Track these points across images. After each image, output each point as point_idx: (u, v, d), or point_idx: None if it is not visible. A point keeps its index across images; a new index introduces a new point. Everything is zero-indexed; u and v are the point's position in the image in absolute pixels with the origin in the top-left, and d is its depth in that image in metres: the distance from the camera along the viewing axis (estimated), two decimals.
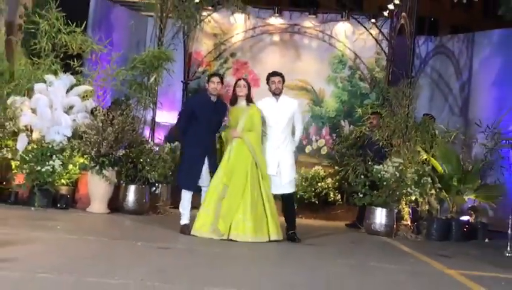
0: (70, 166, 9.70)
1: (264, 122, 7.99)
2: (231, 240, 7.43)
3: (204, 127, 8.00)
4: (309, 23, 14.66)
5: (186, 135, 8.12)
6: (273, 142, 8.04)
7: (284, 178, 8.03)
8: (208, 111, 8.02)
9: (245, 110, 7.90)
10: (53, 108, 9.95)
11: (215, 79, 8.13)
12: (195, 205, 8.09)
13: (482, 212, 10.81)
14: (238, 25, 14.66)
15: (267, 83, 8.25)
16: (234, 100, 8.02)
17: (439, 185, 9.95)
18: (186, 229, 7.81)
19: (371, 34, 14.21)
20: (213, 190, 7.71)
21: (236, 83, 8.07)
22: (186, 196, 8.06)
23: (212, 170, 7.89)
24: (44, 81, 10.13)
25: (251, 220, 7.52)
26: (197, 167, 7.94)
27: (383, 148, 10.39)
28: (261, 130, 7.92)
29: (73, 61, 10.72)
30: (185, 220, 8.01)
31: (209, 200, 7.67)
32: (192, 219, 7.85)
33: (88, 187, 9.80)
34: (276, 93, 8.20)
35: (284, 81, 8.26)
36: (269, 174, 7.90)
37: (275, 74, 8.28)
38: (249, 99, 7.99)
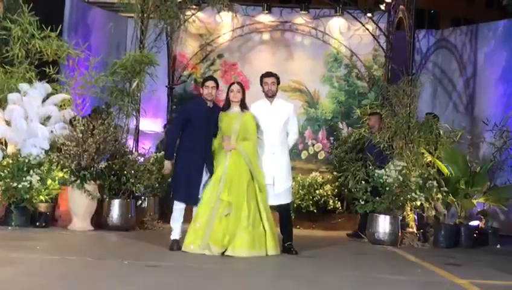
0: (49, 181, 9.67)
1: (258, 127, 7.98)
2: (227, 255, 7.41)
3: (201, 135, 7.92)
4: (301, 19, 14.67)
5: (181, 143, 8.08)
6: (268, 148, 8.02)
7: (278, 187, 8.01)
8: (205, 118, 7.97)
9: (238, 117, 7.88)
10: (28, 119, 9.94)
11: (210, 83, 8.07)
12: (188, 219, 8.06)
13: (492, 216, 10.84)
14: (225, 24, 14.66)
15: (261, 84, 8.25)
16: (227, 106, 8.00)
17: (445, 189, 9.95)
18: (176, 245, 7.78)
19: (368, 30, 14.23)
20: (205, 204, 7.68)
21: (229, 88, 8.05)
22: (177, 208, 8.02)
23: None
24: (19, 91, 10.11)
25: (247, 233, 7.52)
26: (193, 179, 7.88)
27: (384, 151, 10.40)
28: (256, 139, 7.91)
29: (49, 68, 10.70)
30: (175, 235, 7.97)
31: (201, 214, 7.65)
32: (184, 233, 7.83)
33: (69, 203, 9.77)
34: (270, 96, 8.20)
35: (278, 82, 8.27)
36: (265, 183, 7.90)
37: (268, 74, 8.28)
38: (243, 105, 7.97)
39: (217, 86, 8.19)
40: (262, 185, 7.81)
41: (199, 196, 7.86)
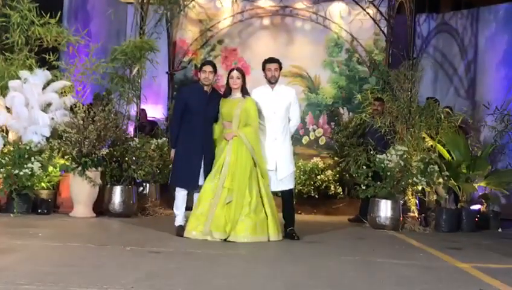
0: (51, 168, 9.68)
1: (259, 113, 7.97)
2: (229, 241, 7.43)
3: (199, 121, 7.93)
4: (301, 4, 14.61)
5: (181, 129, 8.06)
6: (270, 134, 8.02)
7: (281, 173, 8.02)
8: (202, 103, 7.96)
9: (240, 102, 7.85)
10: (29, 106, 9.93)
11: (207, 68, 8.05)
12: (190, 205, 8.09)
13: (493, 200, 10.86)
14: (225, 9, 14.62)
15: (263, 70, 8.23)
16: (228, 92, 7.99)
17: (447, 173, 9.96)
18: (181, 231, 7.80)
19: (368, 14, 14.18)
20: (207, 190, 7.69)
21: (229, 74, 8.02)
22: (179, 195, 8.04)
23: (209, 169, 7.86)
24: (19, 78, 10.09)
25: (249, 219, 7.53)
26: (193, 164, 7.89)
27: (385, 135, 10.40)
28: (258, 124, 7.89)
29: (49, 55, 10.68)
30: (179, 221, 8.00)
31: (203, 200, 7.66)
32: (187, 219, 7.87)
33: (70, 190, 9.78)
34: (272, 82, 8.18)
35: (281, 68, 8.24)
36: (267, 169, 7.91)
37: (271, 60, 8.25)
38: (244, 91, 7.96)
39: (215, 71, 8.18)
40: (264, 171, 7.82)
41: (200, 183, 7.88)
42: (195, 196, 7.93)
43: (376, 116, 10.78)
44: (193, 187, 7.97)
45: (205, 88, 8.05)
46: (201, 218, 7.60)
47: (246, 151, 7.74)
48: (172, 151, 8.23)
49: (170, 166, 8.67)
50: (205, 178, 7.85)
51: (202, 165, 7.92)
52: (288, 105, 8.17)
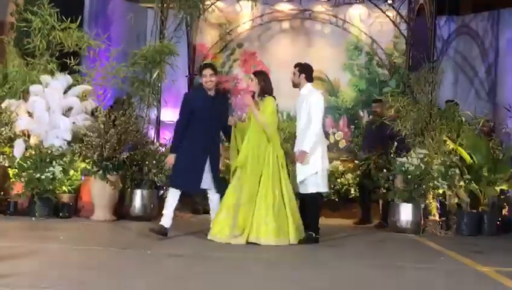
0: (72, 172, 9.73)
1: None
2: (251, 243, 7.42)
3: (203, 125, 7.80)
4: (321, 7, 14.62)
5: (185, 134, 7.96)
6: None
7: (298, 176, 7.97)
8: (207, 107, 7.83)
9: (259, 104, 7.90)
10: (51, 111, 9.98)
11: (207, 72, 7.86)
12: (208, 209, 8.11)
13: None
14: (245, 13, 14.65)
15: None
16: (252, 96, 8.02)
17: (468, 176, 9.89)
18: (163, 231, 7.68)
19: (388, 17, 14.15)
20: (231, 193, 7.69)
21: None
22: (171, 194, 7.90)
23: (215, 173, 7.82)
24: (40, 83, 10.16)
25: (273, 222, 7.51)
26: (193, 165, 7.76)
27: (405, 138, 10.35)
28: (276, 120, 7.92)
29: (70, 59, 10.74)
30: (165, 221, 7.84)
31: (227, 203, 7.66)
32: (207, 223, 7.86)
33: (91, 194, 9.82)
34: (293, 87, 8.22)
35: (300, 72, 8.26)
36: None
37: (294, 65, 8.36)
38: (266, 92, 7.95)
39: (216, 73, 7.98)
40: (283, 165, 7.79)
41: (203, 187, 7.85)
42: (214, 200, 7.92)
43: (376, 118, 10.78)
44: (181, 187, 7.84)
45: (208, 92, 7.93)
46: (225, 222, 7.59)
47: (268, 153, 7.74)
48: (171, 156, 7.97)
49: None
50: (212, 184, 7.85)
51: (208, 171, 7.83)
52: (307, 108, 8.10)
